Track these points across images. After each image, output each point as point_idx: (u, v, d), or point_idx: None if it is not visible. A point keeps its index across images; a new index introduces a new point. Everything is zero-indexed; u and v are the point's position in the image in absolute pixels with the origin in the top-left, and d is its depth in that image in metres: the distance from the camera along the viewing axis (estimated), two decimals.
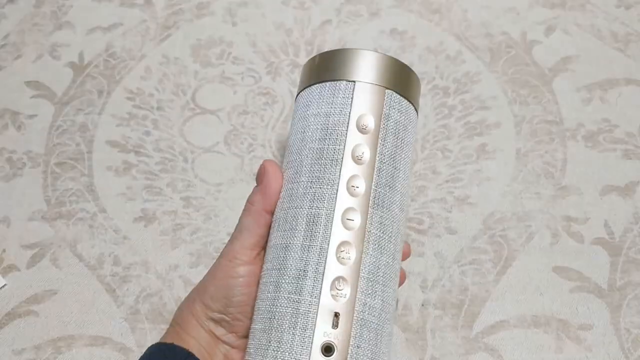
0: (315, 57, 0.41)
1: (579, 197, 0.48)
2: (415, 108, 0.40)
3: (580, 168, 0.50)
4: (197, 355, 0.36)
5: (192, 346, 0.37)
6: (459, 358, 0.42)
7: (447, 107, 0.53)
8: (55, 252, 0.47)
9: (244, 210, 0.38)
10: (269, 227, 0.38)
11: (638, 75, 0.54)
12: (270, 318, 0.35)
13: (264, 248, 0.38)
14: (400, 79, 0.39)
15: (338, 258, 0.34)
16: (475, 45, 0.57)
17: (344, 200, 0.35)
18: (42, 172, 0.51)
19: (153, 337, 0.44)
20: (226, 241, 0.39)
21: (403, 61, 0.41)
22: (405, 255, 0.40)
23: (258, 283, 0.37)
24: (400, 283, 0.39)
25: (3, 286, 0.46)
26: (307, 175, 0.37)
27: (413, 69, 0.55)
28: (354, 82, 0.38)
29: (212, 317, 0.38)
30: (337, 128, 0.37)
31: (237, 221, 0.39)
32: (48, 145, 0.52)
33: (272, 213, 0.38)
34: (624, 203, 0.48)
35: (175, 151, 0.52)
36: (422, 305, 0.44)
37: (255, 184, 0.39)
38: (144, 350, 0.43)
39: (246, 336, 0.38)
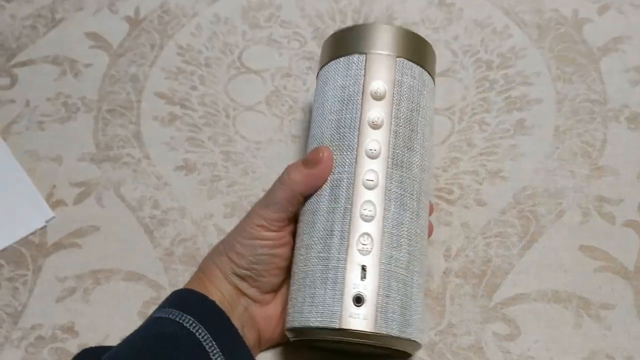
0: (330, 36, 0.44)
1: (614, 178, 0.48)
2: (429, 73, 0.42)
3: (619, 149, 0.49)
4: (220, 305, 0.38)
5: (215, 296, 0.39)
6: (476, 326, 0.43)
7: (489, 80, 0.53)
8: (100, 192, 0.50)
9: (281, 183, 0.39)
10: (301, 206, 0.39)
11: None
12: (304, 277, 0.37)
13: (292, 221, 0.40)
14: (411, 47, 0.41)
15: (361, 216, 0.37)
16: (523, 20, 0.56)
17: (363, 164, 0.38)
18: (94, 117, 0.54)
19: (185, 278, 0.46)
20: (261, 196, 0.41)
21: (431, 48, 0.43)
22: (430, 211, 0.41)
23: (285, 244, 0.39)
24: (428, 235, 0.41)
25: (52, 218, 0.49)
26: (328, 144, 0.39)
27: (458, 41, 0.56)
28: (366, 53, 0.40)
29: (237, 272, 0.40)
30: (352, 98, 0.39)
31: (272, 179, 0.40)
32: (101, 92, 0.56)
33: (307, 198, 0.39)
34: None
35: (218, 107, 0.54)
36: (444, 273, 0.45)
37: (303, 163, 0.39)
38: (175, 289, 0.46)
39: (269, 292, 0.41)
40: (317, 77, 0.44)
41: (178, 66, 0.56)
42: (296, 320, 0.37)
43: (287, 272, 0.41)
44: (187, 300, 0.39)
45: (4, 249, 0.48)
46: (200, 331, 0.36)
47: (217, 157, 0.52)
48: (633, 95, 0.51)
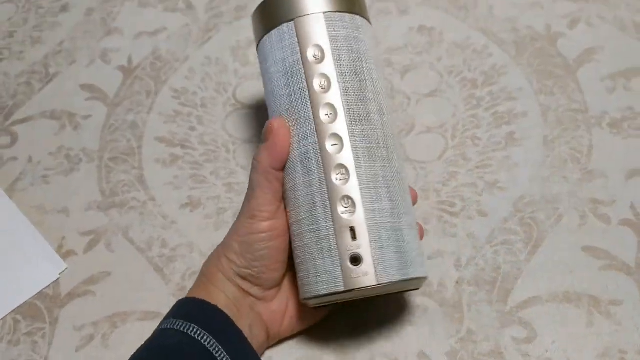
0: (255, 11, 0.43)
1: (604, 181, 0.50)
2: (360, 15, 0.42)
3: (605, 153, 0.51)
4: (226, 308, 0.39)
5: (221, 300, 0.39)
6: (494, 331, 0.44)
7: (475, 98, 0.56)
8: (109, 238, 0.51)
9: (253, 168, 0.40)
10: (281, 181, 0.40)
11: None
12: (302, 252, 0.39)
13: (279, 206, 0.40)
14: None
15: (336, 181, 0.38)
16: (501, 39, 0.59)
17: (323, 130, 0.38)
18: (97, 166, 0.55)
19: None
20: None
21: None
22: (413, 200, 0.43)
23: (280, 235, 0.40)
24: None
25: (65, 270, 0.50)
26: (287, 120, 0.40)
27: (441, 62, 0.58)
28: (293, 20, 0.40)
29: (238, 272, 0.40)
30: (294, 68, 0.40)
31: None
32: (102, 142, 0.56)
33: (280, 169, 0.40)
34: None
35: (218, 143, 0.55)
36: (457, 282, 0.46)
37: (262, 140, 0.40)
38: None
39: (271, 288, 0.42)
40: (257, 52, 0.45)
41: (175, 109, 0.58)
42: (307, 292, 0.39)
43: (286, 266, 0.42)
44: (189, 308, 0.39)
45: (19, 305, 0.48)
46: (205, 338, 0.37)
47: (221, 190, 0.53)
48: (610, 102, 0.54)
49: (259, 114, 0.57)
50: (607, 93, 0.55)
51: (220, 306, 0.39)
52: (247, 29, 0.62)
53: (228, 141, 0.55)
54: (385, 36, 0.61)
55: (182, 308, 0.40)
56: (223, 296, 0.40)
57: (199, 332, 0.37)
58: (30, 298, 0.48)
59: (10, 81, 0.61)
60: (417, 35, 0.60)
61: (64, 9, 0.66)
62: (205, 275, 0.42)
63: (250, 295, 0.41)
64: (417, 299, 0.46)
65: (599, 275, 0.46)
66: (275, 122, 0.39)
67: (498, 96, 0.56)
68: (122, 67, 0.61)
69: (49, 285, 0.49)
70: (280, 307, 0.42)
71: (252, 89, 0.58)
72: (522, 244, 0.48)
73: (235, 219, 0.50)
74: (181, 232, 0.51)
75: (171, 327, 0.38)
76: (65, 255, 0.50)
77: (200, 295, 0.40)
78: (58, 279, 0.49)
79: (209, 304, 0.39)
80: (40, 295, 0.48)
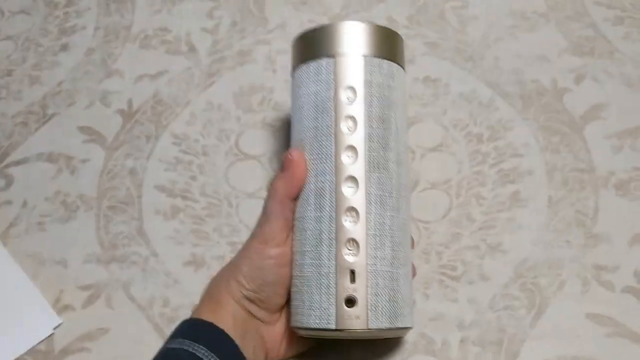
0: (298, 37, 0.45)
1: (609, 246, 0.50)
2: (398, 63, 0.43)
3: (611, 217, 0.51)
4: (232, 330, 0.40)
5: (229, 322, 0.40)
6: None
7: (481, 153, 0.55)
8: (110, 293, 0.50)
9: (268, 195, 0.42)
10: (293, 211, 0.42)
11: None
12: (301, 282, 0.40)
13: (291, 229, 0.42)
14: (376, 42, 0.42)
15: (345, 222, 0.39)
16: (507, 92, 0.58)
17: (342, 171, 0.40)
18: (95, 215, 0.54)
19: None
20: None
21: (398, 37, 0.45)
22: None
23: (288, 262, 0.41)
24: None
25: (59, 325, 0.49)
26: (309, 152, 0.42)
27: (447, 115, 0.58)
28: (334, 56, 0.42)
29: (246, 295, 0.41)
30: (325, 104, 0.41)
31: None
32: (100, 189, 0.55)
33: (295, 199, 0.41)
34: None
35: (220, 196, 0.54)
36: (461, 341, 0.46)
37: (280, 169, 0.42)
38: None
39: (276, 311, 0.43)
40: (291, 76, 0.46)
41: (176, 156, 0.57)
42: (298, 321, 0.40)
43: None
44: (197, 329, 0.40)
45: None
46: None
47: (225, 250, 0.52)
48: (617, 162, 0.54)
49: (261, 165, 0.56)
50: (613, 152, 0.54)
51: (227, 328, 0.40)
52: (250, 74, 0.61)
53: (230, 194, 0.55)
54: None
55: (191, 328, 0.40)
56: (231, 318, 0.40)
57: (207, 354, 0.37)
58: (22, 354, 0.47)
59: (7, 121, 0.60)
60: (422, 86, 0.60)
61: (64, 48, 0.64)
62: (212, 296, 0.42)
63: (257, 318, 0.42)
64: (420, 357, 0.46)
65: (606, 342, 0.46)
66: (295, 153, 0.41)
67: (504, 152, 0.55)
68: (122, 111, 0.60)
69: (42, 341, 0.48)
70: (281, 330, 0.43)
71: (255, 137, 0.58)
72: (525, 310, 0.48)
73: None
74: (184, 292, 0.50)
75: (179, 347, 0.38)
76: (63, 309, 0.49)
77: (208, 316, 0.40)
78: (52, 334, 0.48)
79: (216, 327, 0.39)
80: (32, 350, 0.47)
